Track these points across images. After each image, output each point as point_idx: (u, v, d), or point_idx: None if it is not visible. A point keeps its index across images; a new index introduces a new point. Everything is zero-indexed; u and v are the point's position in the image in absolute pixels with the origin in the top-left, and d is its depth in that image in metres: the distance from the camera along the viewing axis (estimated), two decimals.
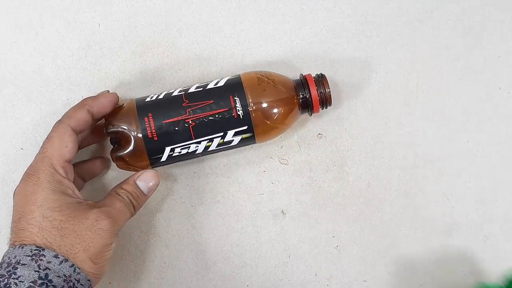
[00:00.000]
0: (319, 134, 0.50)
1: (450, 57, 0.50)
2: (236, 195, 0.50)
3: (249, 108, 0.42)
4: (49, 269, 0.37)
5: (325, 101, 0.45)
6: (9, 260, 0.38)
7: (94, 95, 0.46)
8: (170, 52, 0.49)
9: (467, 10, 0.50)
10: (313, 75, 0.45)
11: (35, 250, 0.38)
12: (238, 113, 0.42)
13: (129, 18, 0.49)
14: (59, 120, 0.43)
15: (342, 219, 0.50)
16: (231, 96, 0.42)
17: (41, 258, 0.37)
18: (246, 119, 0.42)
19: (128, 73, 0.49)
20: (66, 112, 0.43)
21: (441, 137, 0.50)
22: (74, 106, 0.44)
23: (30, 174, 0.41)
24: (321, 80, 0.45)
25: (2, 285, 0.36)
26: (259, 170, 0.50)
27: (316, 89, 0.44)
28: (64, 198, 0.40)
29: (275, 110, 0.43)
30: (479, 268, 0.50)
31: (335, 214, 0.50)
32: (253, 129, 0.43)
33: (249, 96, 0.42)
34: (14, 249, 0.38)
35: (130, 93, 0.49)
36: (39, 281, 0.36)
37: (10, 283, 0.36)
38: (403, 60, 0.50)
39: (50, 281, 0.37)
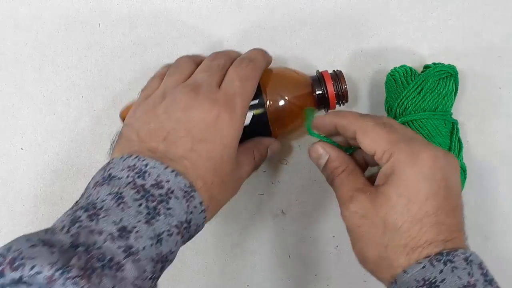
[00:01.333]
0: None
1: (450, 57, 0.50)
2: (236, 195, 0.50)
3: (265, 105, 0.42)
4: (193, 215, 0.35)
5: (342, 97, 0.44)
6: (159, 180, 0.34)
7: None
8: (170, 52, 0.49)
9: (467, 10, 0.50)
10: (330, 71, 0.45)
11: (188, 187, 0.35)
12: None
13: (129, 18, 0.49)
14: (253, 63, 0.41)
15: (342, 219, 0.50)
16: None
17: (191, 199, 0.35)
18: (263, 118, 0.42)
19: (128, 73, 0.49)
20: (251, 56, 0.42)
21: None
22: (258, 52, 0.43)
23: (226, 101, 0.38)
24: (338, 76, 0.44)
25: (150, 206, 0.33)
26: (259, 170, 0.50)
27: (333, 85, 0.44)
28: (236, 144, 0.39)
29: (291, 107, 0.43)
30: None
31: (335, 214, 0.50)
32: (270, 127, 0.43)
33: (266, 94, 0.42)
34: (166, 169, 0.34)
35: (130, 93, 0.49)
36: (185, 224, 0.34)
37: (160, 209, 0.33)
38: (403, 60, 0.50)
39: (190, 227, 0.35)
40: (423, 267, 0.34)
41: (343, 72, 0.45)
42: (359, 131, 0.38)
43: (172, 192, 0.34)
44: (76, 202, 0.34)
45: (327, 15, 0.50)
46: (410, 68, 0.47)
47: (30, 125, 0.49)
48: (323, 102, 0.44)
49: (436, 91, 0.45)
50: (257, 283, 0.50)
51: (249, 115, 0.42)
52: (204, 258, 0.50)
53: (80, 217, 0.32)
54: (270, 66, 0.45)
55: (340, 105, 0.45)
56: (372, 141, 0.37)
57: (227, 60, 0.42)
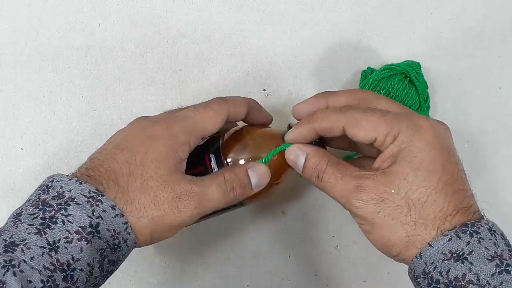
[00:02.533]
0: None
1: (450, 57, 0.50)
2: None
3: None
4: (102, 219, 0.34)
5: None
6: (61, 191, 0.34)
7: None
8: (170, 52, 0.49)
9: (467, 10, 0.50)
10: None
11: (93, 192, 0.34)
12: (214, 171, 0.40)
13: (129, 18, 0.49)
14: (224, 99, 0.40)
15: (342, 219, 0.50)
16: (206, 154, 0.40)
17: (97, 203, 0.34)
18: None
19: (128, 73, 0.49)
20: (232, 97, 0.41)
21: None
22: (241, 98, 0.42)
23: (165, 121, 0.38)
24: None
25: (46, 216, 0.33)
26: None
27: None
28: (172, 159, 0.37)
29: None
30: None
31: (335, 214, 0.50)
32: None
33: (224, 154, 0.40)
34: (70, 180, 0.35)
35: (130, 93, 0.49)
36: (88, 229, 0.33)
37: (57, 217, 0.33)
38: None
39: (98, 232, 0.33)
40: (449, 239, 0.33)
41: None
42: (349, 126, 0.37)
43: (73, 199, 0.33)
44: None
45: (327, 15, 0.50)
46: (371, 69, 0.47)
47: (30, 125, 0.49)
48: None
49: (386, 90, 0.45)
50: (257, 283, 0.50)
51: (213, 159, 0.40)
52: (204, 258, 0.50)
53: None
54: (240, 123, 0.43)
55: None
56: (368, 130, 0.36)
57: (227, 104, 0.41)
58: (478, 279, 0.31)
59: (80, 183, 0.34)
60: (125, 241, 0.35)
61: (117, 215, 0.34)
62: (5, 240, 0.32)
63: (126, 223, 0.35)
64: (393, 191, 0.35)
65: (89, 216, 0.33)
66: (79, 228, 0.33)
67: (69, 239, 0.32)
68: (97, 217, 0.33)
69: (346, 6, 0.50)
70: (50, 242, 0.32)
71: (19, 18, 0.49)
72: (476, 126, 0.50)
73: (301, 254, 0.50)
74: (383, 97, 0.40)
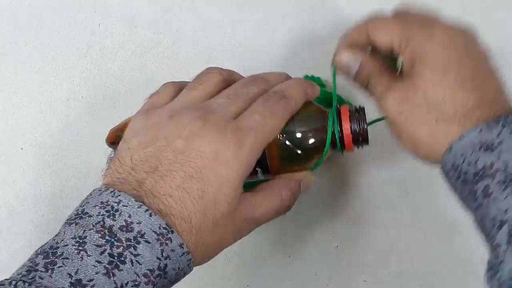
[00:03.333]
0: None
1: None
2: None
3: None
4: (170, 259, 0.31)
5: (361, 139, 0.39)
6: (129, 221, 0.30)
7: None
8: (170, 52, 0.49)
9: (467, 10, 0.50)
10: (352, 107, 0.40)
11: (163, 228, 0.30)
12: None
13: (129, 18, 0.49)
14: (286, 98, 0.36)
15: (342, 219, 0.50)
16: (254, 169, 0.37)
17: (167, 242, 0.30)
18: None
19: (128, 73, 0.49)
20: (292, 91, 0.37)
21: None
22: (300, 91, 0.38)
23: (235, 137, 0.33)
24: (359, 114, 0.39)
25: (115, 252, 0.29)
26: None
27: (350, 126, 0.39)
28: (240, 189, 0.34)
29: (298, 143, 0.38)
30: (479, 268, 0.50)
31: (335, 214, 0.50)
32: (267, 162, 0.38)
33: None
34: (140, 208, 0.31)
35: (130, 93, 0.49)
36: (157, 272, 0.30)
37: (126, 256, 0.29)
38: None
39: (166, 273, 0.31)
40: (480, 130, 0.33)
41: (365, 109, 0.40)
42: (372, 30, 0.38)
43: (142, 235, 0.30)
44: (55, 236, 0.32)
45: (327, 15, 0.50)
46: (310, 77, 0.47)
47: (30, 125, 0.49)
48: (338, 142, 0.39)
49: None
50: (257, 283, 0.50)
51: None
52: None
53: (37, 264, 0.29)
54: None
55: (358, 148, 0.40)
56: (386, 35, 0.37)
57: (263, 89, 0.37)
58: (506, 167, 0.31)
59: (150, 215, 0.31)
60: (184, 274, 0.33)
61: (184, 253, 0.32)
62: (70, 276, 0.28)
63: (190, 259, 0.32)
64: (412, 91, 0.36)
65: (158, 258, 0.30)
66: (148, 271, 0.30)
67: (136, 283, 0.29)
68: (166, 258, 0.31)
69: (346, 6, 0.50)
70: (118, 286, 0.29)
71: (19, 18, 0.49)
72: None
73: (301, 254, 0.50)
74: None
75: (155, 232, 0.30)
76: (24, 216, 0.50)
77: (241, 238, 0.36)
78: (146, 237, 0.30)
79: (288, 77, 0.40)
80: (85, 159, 0.50)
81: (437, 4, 0.50)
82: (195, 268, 0.50)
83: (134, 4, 0.49)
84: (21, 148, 0.49)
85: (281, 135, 0.37)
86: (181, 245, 0.31)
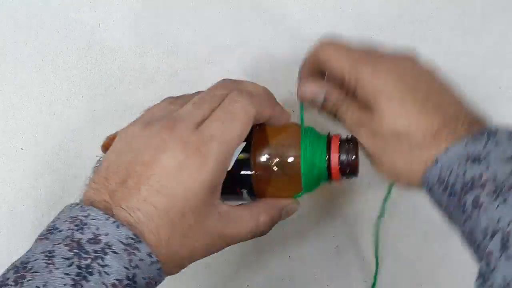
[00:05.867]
0: None
1: (450, 57, 0.50)
2: None
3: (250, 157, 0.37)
4: (139, 268, 0.31)
5: (349, 170, 0.38)
6: (97, 233, 0.31)
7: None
8: (170, 52, 0.49)
9: (467, 10, 0.50)
10: (343, 136, 0.39)
11: (131, 239, 0.31)
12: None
13: (129, 18, 0.49)
14: (250, 103, 0.36)
15: (342, 219, 0.50)
16: (238, 189, 0.38)
17: (134, 251, 0.31)
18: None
19: (128, 73, 0.49)
20: (257, 94, 0.37)
21: None
22: (267, 96, 0.38)
23: (199, 148, 0.33)
24: (349, 145, 0.38)
25: (83, 264, 0.29)
26: None
27: (339, 156, 0.37)
28: (209, 198, 0.34)
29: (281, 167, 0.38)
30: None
31: (335, 214, 0.50)
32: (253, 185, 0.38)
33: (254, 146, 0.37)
34: (107, 220, 0.31)
35: (130, 93, 0.49)
36: (125, 281, 0.30)
37: (93, 268, 0.29)
38: None
39: (135, 282, 0.31)
40: (466, 143, 0.33)
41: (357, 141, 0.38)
42: (322, 59, 0.39)
43: (109, 246, 0.30)
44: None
45: (327, 15, 0.50)
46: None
47: (30, 125, 0.49)
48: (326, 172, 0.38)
49: None
50: (257, 283, 0.50)
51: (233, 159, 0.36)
52: (204, 258, 0.50)
53: (8, 279, 0.29)
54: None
55: (346, 179, 0.39)
56: (336, 67, 0.38)
57: (231, 90, 0.37)
58: (495, 178, 0.31)
59: (118, 226, 0.31)
60: (156, 283, 0.33)
61: (153, 262, 0.32)
62: None
63: (159, 269, 0.32)
64: (378, 125, 0.36)
65: (126, 268, 0.30)
66: (116, 281, 0.30)
67: None
68: (134, 268, 0.31)
69: (346, 6, 0.50)
70: None
71: (19, 18, 0.49)
72: None
73: (301, 254, 0.50)
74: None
75: (122, 243, 0.31)
76: (24, 216, 0.50)
77: (213, 253, 0.36)
78: (113, 248, 0.30)
79: (265, 90, 0.39)
80: (85, 159, 0.50)
81: (437, 4, 0.50)
82: (195, 268, 0.50)
83: (134, 4, 0.49)
84: (21, 148, 0.49)
85: (270, 159, 0.37)
86: (149, 255, 0.31)
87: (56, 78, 0.49)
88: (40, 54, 0.49)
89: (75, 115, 0.49)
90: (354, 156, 0.37)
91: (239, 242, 0.37)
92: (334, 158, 0.37)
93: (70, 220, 0.32)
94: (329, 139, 0.38)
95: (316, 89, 0.39)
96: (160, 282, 0.34)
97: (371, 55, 0.38)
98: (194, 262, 0.51)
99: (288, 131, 0.39)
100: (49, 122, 0.49)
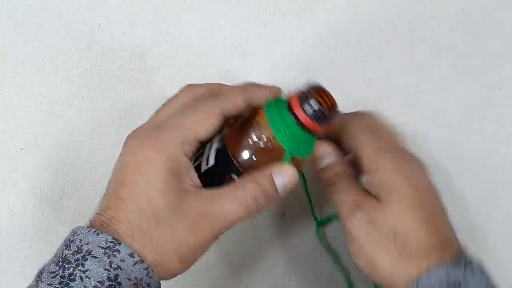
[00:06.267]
0: None
1: (450, 57, 0.50)
2: None
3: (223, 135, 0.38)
4: (121, 269, 0.32)
5: (322, 117, 0.37)
6: (80, 245, 0.33)
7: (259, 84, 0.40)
8: (170, 52, 0.49)
9: (467, 10, 0.50)
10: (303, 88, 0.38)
11: (110, 242, 0.32)
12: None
13: (129, 18, 0.49)
14: (215, 96, 0.37)
15: None
16: (228, 176, 0.37)
17: (114, 254, 0.32)
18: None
19: (128, 73, 0.49)
20: (224, 89, 0.38)
21: (441, 137, 0.50)
22: (233, 88, 0.38)
23: (153, 137, 0.35)
24: (307, 96, 0.37)
25: (66, 274, 0.31)
26: None
27: (304, 110, 0.36)
28: (177, 182, 0.34)
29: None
30: None
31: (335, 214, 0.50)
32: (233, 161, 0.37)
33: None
34: (89, 232, 0.33)
35: (130, 93, 0.49)
36: (107, 283, 0.31)
37: (75, 275, 0.31)
38: (403, 60, 0.50)
39: (119, 283, 0.32)
40: (447, 269, 0.34)
41: (320, 86, 0.38)
42: (343, 133, 0.39)
43: (90, 253, 0.32)
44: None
45: (327, 15, 0.50)
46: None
47: (30, 125, 0.49)
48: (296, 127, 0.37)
49: None
50: (257, 283, 0.50)
51: (212, 153, 0.37)
52: (204, 258, 0.50)
53: None
54: None
55: (327, 122, 0.38)
56: (355, 146, 0.38)
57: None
58: None
59: (98, 234, 0.32)
60: (148, 284, 0.33)
61: (136, 262, 0.33)
62: None
63: (146, 268, 0.33)
64: (383, 219, 0.36)
65: (106, 269, 0.32)
66: (97, 283, 0.31)
67: None
68: (116, 269, 0.32)
69: (346, 6, 0.50)
70: None
71: (19, 18, 0.49)
72: (476, 126, 0.50)
73: (301, 254, 0.50)
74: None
75: (102, 247, 0.32)
76: (24, 216, 0.50)
77: (206, 237, 0.35)
78: (93, 253, 0.32)
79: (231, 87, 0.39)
80: (85, 159, 0.50)
81: (437, 4, 0.50)
82: (195, 268, 0.50)
83: (134, 4, 0.49)
84: (21, 148, 0.49)
85: (246, 139, 0.37)
86: (131, 255, 0.32)
87: (56, 78, 0.49)
88: (40, 54, 0.49)
89: (75, 115, 0.49)
90: (315, 101, 0.36)
91: (232, 223, 0.36)
92: (299, 114, 0.36)
93: (63, 243, 0.34)
94: (289, 99, 0.38)
95: (327, 152, 0.40)
96: (152, 283, 0.34)
97: (395, 149, 0.39)
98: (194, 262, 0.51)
99: (256, 110, 0.38)
100: (49, 122, 0.49)
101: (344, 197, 0.39)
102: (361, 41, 0.50)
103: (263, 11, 0.50)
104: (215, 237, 0.36)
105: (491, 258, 0.50)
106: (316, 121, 0.36)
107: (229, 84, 0.41)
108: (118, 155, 0.36)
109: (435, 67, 0.50)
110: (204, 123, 0.35)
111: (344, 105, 0.50)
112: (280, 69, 0.50)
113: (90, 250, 0.32)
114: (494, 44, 0.50)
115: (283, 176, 0.36)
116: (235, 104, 0.37)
